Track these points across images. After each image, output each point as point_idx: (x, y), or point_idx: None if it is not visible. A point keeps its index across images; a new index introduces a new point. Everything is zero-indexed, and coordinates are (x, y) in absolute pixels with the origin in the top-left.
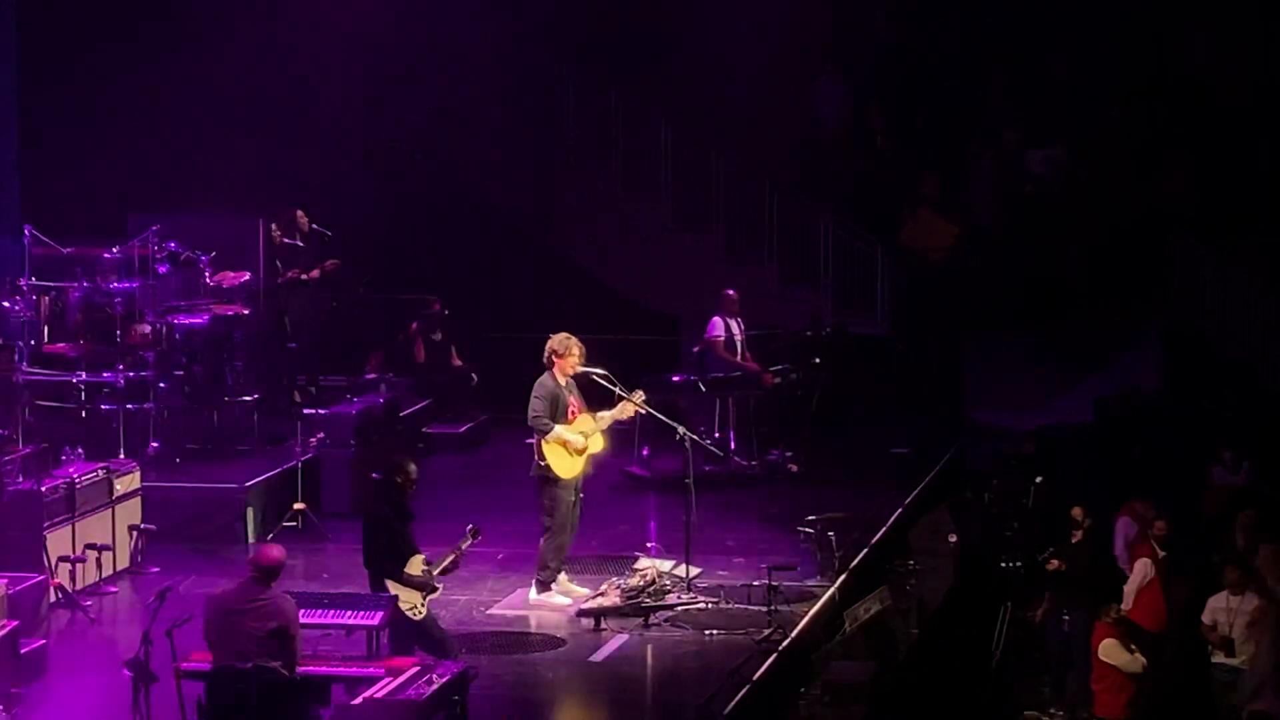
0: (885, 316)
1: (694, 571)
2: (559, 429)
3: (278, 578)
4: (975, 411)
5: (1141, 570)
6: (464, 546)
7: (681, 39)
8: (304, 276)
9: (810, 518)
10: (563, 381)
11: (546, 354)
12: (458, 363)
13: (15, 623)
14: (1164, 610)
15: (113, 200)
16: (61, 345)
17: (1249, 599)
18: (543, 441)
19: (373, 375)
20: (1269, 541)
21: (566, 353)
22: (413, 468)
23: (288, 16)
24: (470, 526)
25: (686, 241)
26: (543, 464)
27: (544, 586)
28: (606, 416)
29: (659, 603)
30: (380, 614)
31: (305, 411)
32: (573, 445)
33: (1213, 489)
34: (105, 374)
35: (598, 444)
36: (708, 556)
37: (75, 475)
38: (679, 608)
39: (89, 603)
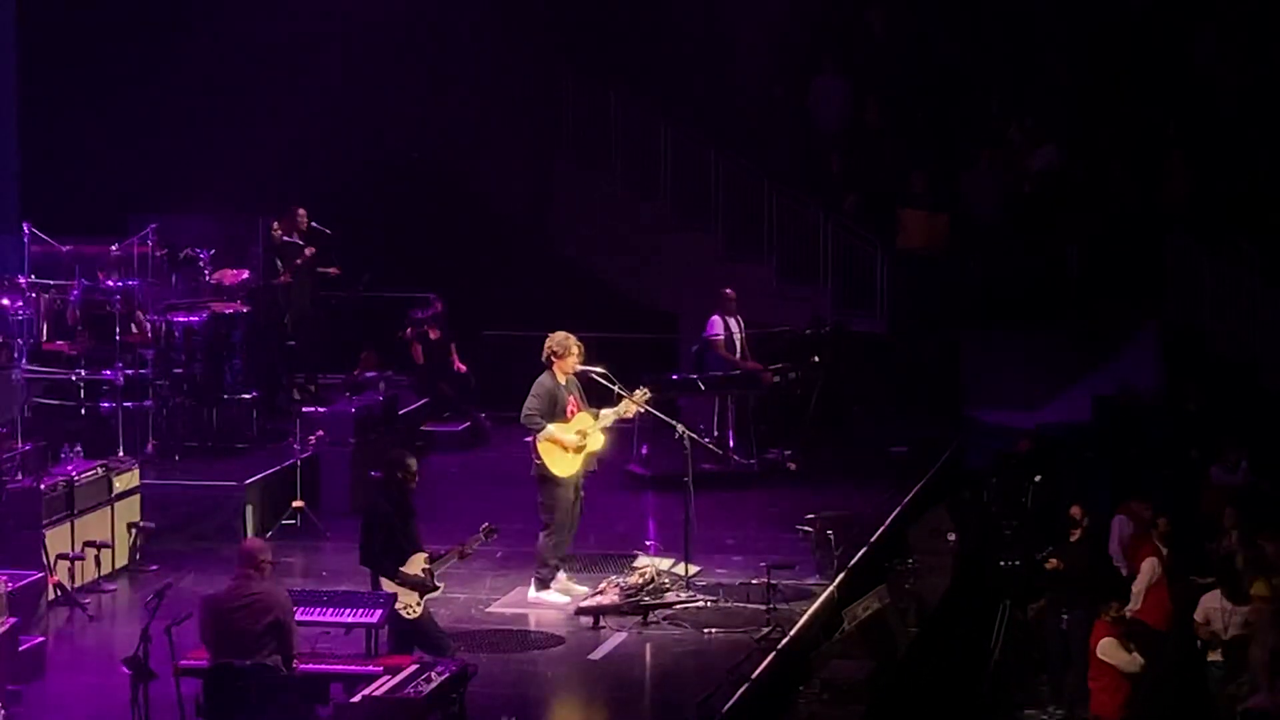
0: (884, 315)
1: (693, 570)
2: (550, 427)
3: (264, 566)
4: (974, 410)
5: (1149, 569)
6: (473, 546)
7: (681, 37)
8: (297, 261)
9: (809, 516)
10: (562, 380)
11: (546, 353)
12: (460, 367)
13: (14, 620)
14: (1171, 608)
15: (112, 198)
16: (61, 343)
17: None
18: (537, 440)
19: (372, 373)
20: (1260, 536)
21: (566, 352)
22: (413, 463)
23: (287, 14)
24: (485, 525)
25: (686, 240)
26: (539, 462)
27: (543, 584)
28: (608, 415)
29: (658, 601)
30: (379, 612)
31: (304, 410)
32: (566, 443)
33: (1211, 488)
34: (104, 372)
35: (597, 442)
36: (707, 555)
37: (74, 473)
38: (678, 606)
39: (88, 600)
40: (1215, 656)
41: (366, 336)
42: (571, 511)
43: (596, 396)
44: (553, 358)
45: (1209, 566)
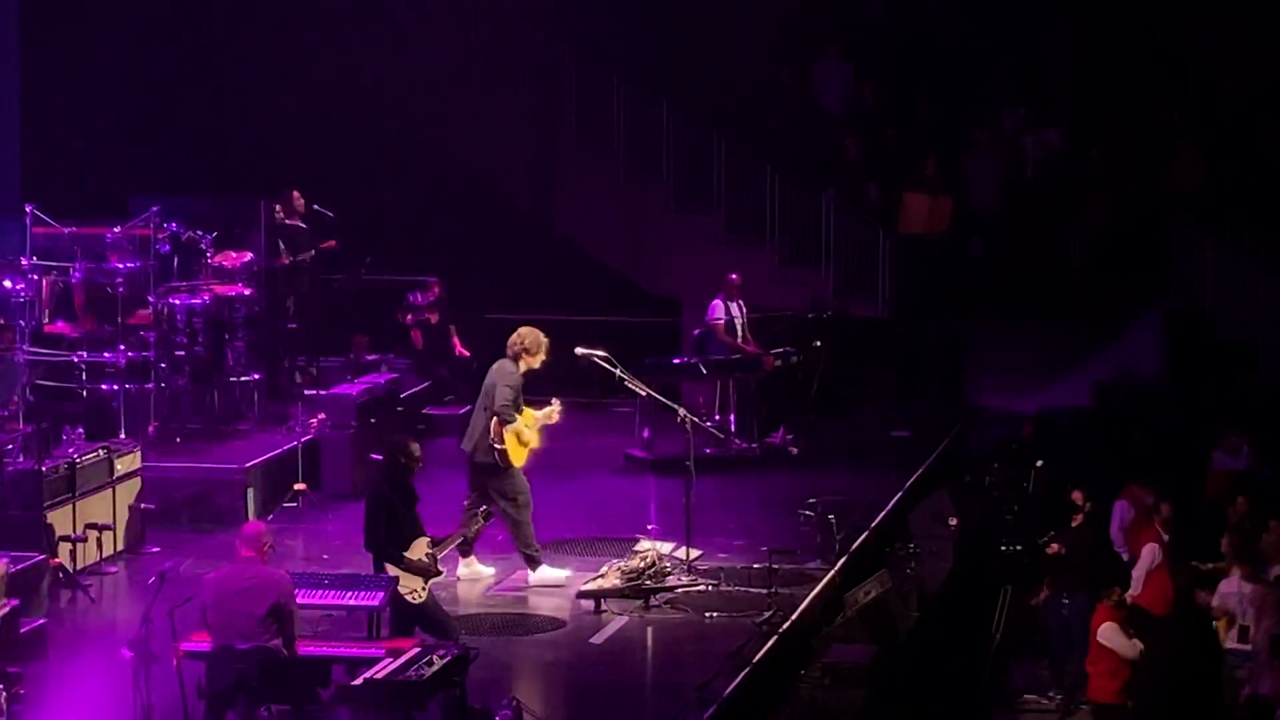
0: (887, 299)
1: (694, 554)
2: (519, 422)
3: (265, 549)
4: (976, 395)
5: (1150, 554)
6: (473, 530)
7: (683, 20)
8: (299, 258)
9: (811, 500)
10: (522, 374)
11: (516, 347)
12: (462, 352)
13: (15, 602)
14: (1172, 594)
15: (114, 180)
16: (62, 325)
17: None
18: (504, 430)
19: (373, 356)
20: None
21: (538, 350)
22: (415, 448)
23: None
24: (483, 508)
25: (688, 223)
26: (500, 448)
27: (537, 563)
28: (539, 416)
29: (659, 585)
30: (380, 595)
31: (306, 392)
32: (525, 438)
33: (1213, 473)
34: (106, 354)
35: (535, 439)
36: (708, 539)
37: (76, 455)
38: (679, 590)
39: (89, 582)
40: (1233, 644)
41: (366, 320)
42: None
43: (597, 379)
44: (524, 354)
45: (1211, 552)
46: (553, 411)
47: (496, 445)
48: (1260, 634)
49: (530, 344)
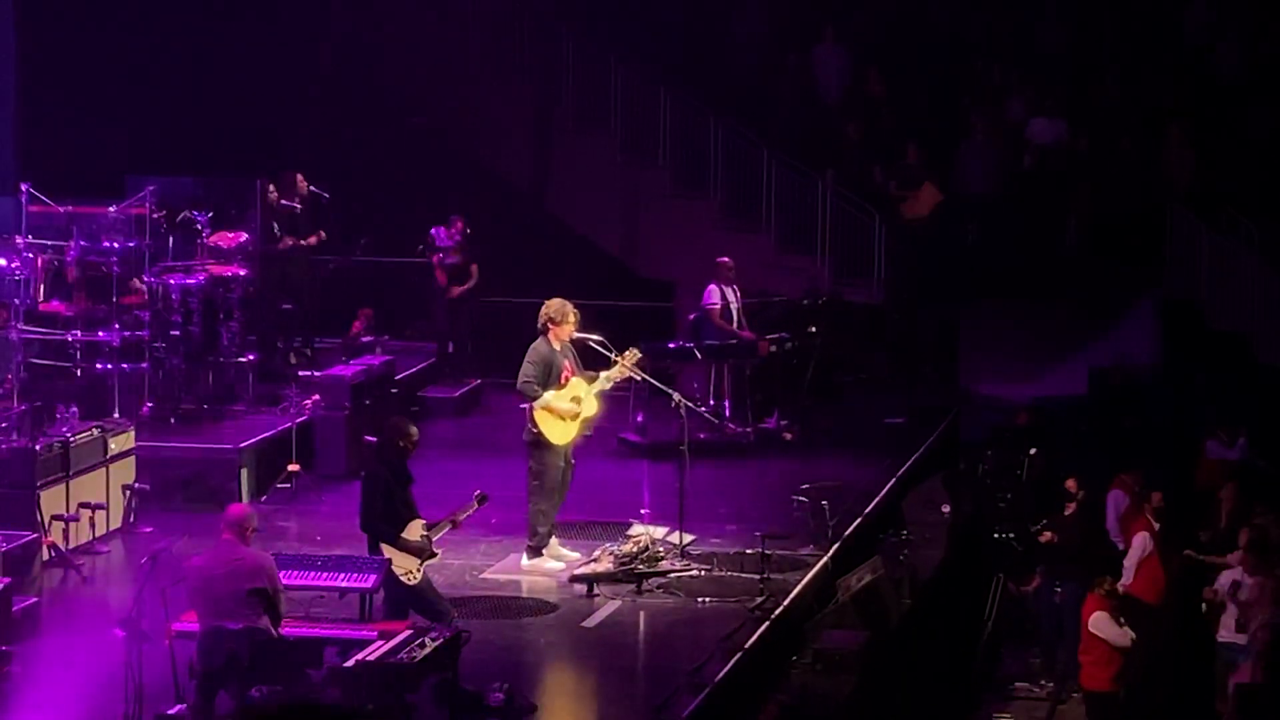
0: (882, 286)
1: (687, 539)
2: (547, 396)
3: (248, 532)
4: (970, 382)
5: (1141, 544)
6: (467, 513)
7: (682, 4)
8: (301, 242)
9: (804, 486)
10: (557, 347)
11: (541, 319)
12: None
13: (7, 580)
14: (1164, 583)
15: (110, 159)
16: (57, 304)
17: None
18: (533, 408)
19: (368, 338)
20: (1258, 514)
21: (563, 319)
22: (413, 430)
23: None
24: (478, 493)
25: (684, 208)
26: (535, 430)
27: (535, 552)
28: (602, 379)
29: (652, 569)
30: (373, 577)
31: (300, 373)
32: (563, 412)
33: (1206, 462)
34: (101, 333)
35: (591, 407)
36: (701, 524)
37: (70, 434)
38: (671, 575)
39: (81, 562)
40: (1229, 636)
41: (360, 301)
42: (561, 478)
43: (591, 363)
44: (549, 324)
45: (1202, 542)
46: (621, 368)
47: (531, 427)
48: (1258, 624)
49: (555, 314)
